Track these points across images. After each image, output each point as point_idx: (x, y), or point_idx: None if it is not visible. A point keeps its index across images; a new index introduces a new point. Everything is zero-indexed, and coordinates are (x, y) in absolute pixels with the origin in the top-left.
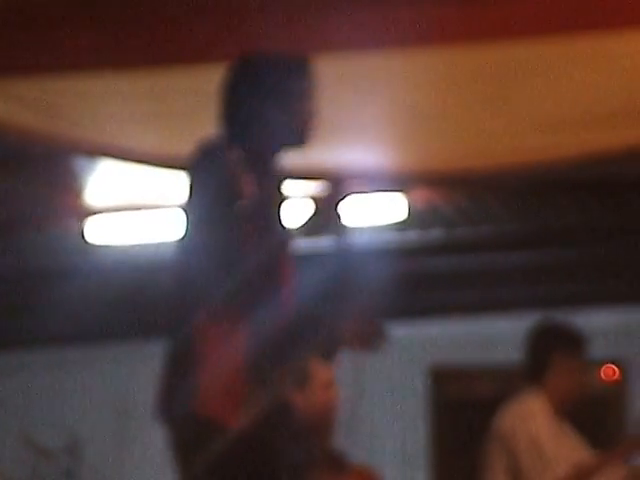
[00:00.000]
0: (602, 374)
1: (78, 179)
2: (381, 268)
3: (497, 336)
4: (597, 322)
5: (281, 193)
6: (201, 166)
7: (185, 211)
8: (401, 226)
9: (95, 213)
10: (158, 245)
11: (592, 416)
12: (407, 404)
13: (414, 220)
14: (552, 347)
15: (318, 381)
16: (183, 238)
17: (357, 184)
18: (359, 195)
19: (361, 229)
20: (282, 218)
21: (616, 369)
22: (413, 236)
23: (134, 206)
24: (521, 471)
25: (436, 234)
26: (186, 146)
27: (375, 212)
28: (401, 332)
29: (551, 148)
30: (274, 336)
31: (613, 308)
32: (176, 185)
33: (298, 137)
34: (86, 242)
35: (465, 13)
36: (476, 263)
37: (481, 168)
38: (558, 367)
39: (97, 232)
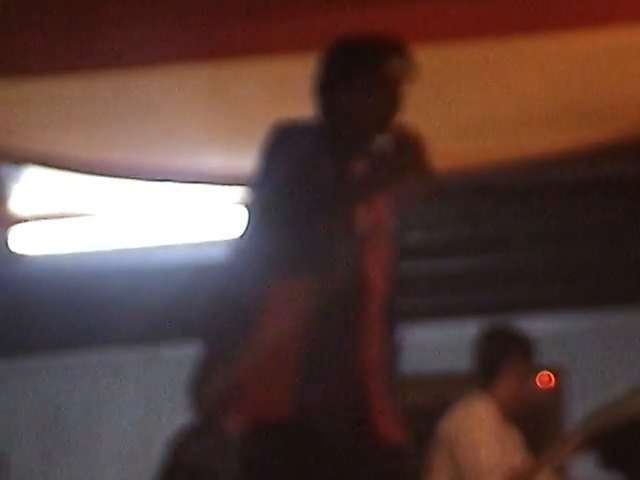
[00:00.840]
0: (538, 381)
1: (3, 187)
2: None
3: (431, 344)
4: (533, 329)
5: (369, 178)
6: (279, 147)
7: (255, 195)
8: None
9: (21, 222)
10: (86, 254)
11: (529, 424)
12: None
13: None
14: (504, 351)
15: None
16: (249, 226)
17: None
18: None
19: None
20: (365, 205)
21: (552, 376)
22: None
23: (60, 215)
24: (463, 478)
25: None
26: (117, 152)
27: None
28: None
29: (487, 151)
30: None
31: (548, 315)
32: (104, 192)
33: (384, 122)
34: (11, 251)
35: (395, 16)
36: (410, 270)
37: None
38: (509, 372)
39: (23, 241)
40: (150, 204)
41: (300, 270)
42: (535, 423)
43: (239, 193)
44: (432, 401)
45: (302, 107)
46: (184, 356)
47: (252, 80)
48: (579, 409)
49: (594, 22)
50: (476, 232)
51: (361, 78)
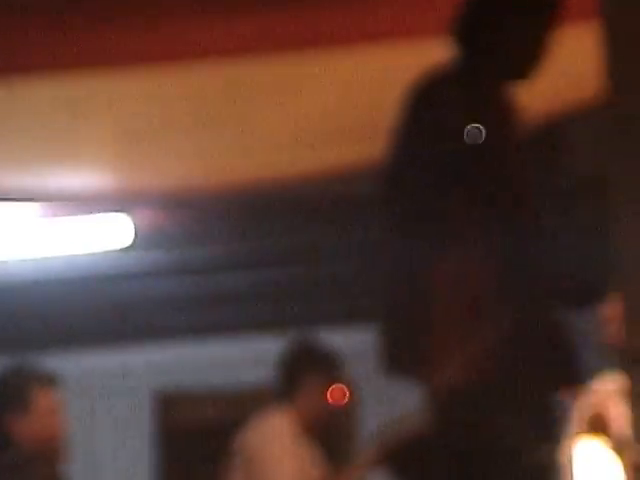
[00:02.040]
0: (329, 396)
1: None
2: (105, 294)
3: (226, 359)
4: (333, 343)
5: (514, 130)
6: (424, 100)
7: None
8: (127, 249)
9: None
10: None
11: (327, 438)
12: (131, 433)
13: (141, 243)
14: (303, 366)
15: (40, 408)
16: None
17: (75, 207)
18: (79, 219)
19: (84, 255)
20: (520, 161)
21: (346, 390)
22: (140, 259)
23: None
24: None
25: (163, 256)
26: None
27: (99, 236)
28: (125, 358)
29: (278, 166)
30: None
31: (340, 329)
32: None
33: (529, 69)
34: None
35: (189, 31)
36: (203, 285)
37: (209, 187)
38: (307, 387)
39: None
40: None
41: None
42: (332, 438)
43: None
44: (232, 415)
45: (99, 123)
46: None
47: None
48: (373, 424)
49: (384, 40)
50: (269, 246)
51: (508, 21)
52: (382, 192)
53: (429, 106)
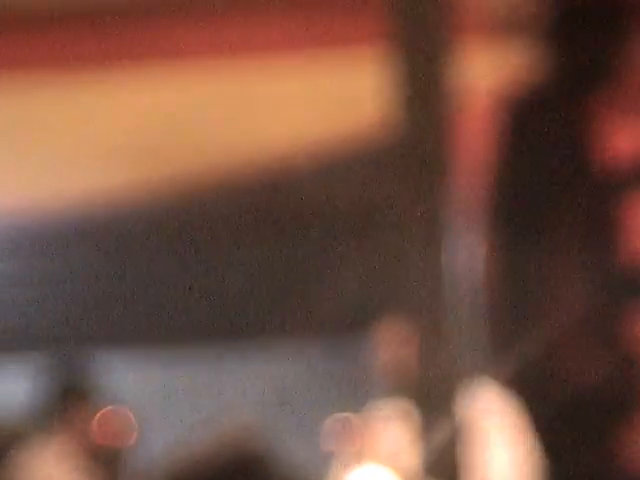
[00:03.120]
0: (99, 424)
1: None
2: None
3: None
4: (97, 367)
5: None
6: (525, 121)
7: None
8: None
9: None
10: None
11: (105, 464)
12: None
13: None
14: (62, 395)
15: None
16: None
17: None
18: None
19: None
20: None
21: (120, 417)
22: None
23: None
24: None
25: None
26: None
27: None
28: None
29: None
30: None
31: (113, 353)
32: None
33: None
34: None
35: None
36: None
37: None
38: (69, 415)
39: None
40: None
41: None
42: (110, 466)
43: None
44: None
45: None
46: None
47: None
48: (153, 449)
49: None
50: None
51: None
52: (495, 202)
53: (534, 122)
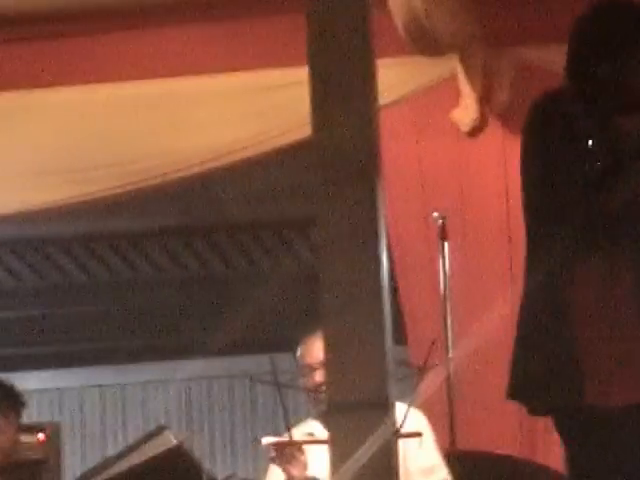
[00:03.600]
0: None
1: None
2: None
3: None
4: (25, 383)
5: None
6: (543, 123)
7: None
8: None
9: None
10: None
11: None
12: None
13: None
14: None
15: None
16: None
17: None
18: None
19: None
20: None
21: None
22: None
23: None
24: None
25: None
26: None
27: None
28: None
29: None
30: None
31: (44, 370)
32: None
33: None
34: None
35: None
36: None
37: None
38: None
39: None
40: None
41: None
42: (31, 477)
43: None
44: None
45: None
46: None
47: None
48: (75, 464)
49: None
50: None
51: (622, 46)
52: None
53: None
